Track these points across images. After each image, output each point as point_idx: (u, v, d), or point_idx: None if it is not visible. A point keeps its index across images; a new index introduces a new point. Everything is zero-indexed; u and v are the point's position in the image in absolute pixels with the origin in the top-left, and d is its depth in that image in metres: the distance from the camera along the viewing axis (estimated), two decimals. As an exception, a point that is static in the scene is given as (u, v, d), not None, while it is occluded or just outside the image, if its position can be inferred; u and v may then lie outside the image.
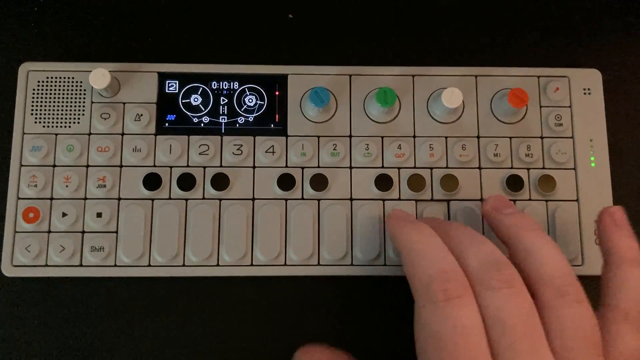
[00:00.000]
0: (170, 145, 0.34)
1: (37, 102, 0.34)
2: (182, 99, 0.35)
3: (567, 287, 0.26)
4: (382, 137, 0.35)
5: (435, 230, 0.29)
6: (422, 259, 0.27)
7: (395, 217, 0.31)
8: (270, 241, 0.33)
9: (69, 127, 0.34)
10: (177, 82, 0.35)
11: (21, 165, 0.34)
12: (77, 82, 0.35)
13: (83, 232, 0.33)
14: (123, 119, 0.34)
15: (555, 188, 0.34)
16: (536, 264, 0.27)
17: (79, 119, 0.34)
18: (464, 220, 0.34)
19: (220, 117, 0.35)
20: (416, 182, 0.34)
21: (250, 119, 0.35)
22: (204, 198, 0.34)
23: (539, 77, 0.36)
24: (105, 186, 0.33)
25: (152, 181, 0.34)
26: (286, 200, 0.34)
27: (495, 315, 0.25)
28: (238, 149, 0.34)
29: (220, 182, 0.34)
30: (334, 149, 0.34)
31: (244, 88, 0.35)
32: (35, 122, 0.34)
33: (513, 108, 0.34)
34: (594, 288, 0.35)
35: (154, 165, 0.34)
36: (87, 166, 0.34)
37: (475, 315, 0.25)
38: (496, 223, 0.30)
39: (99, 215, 0.33)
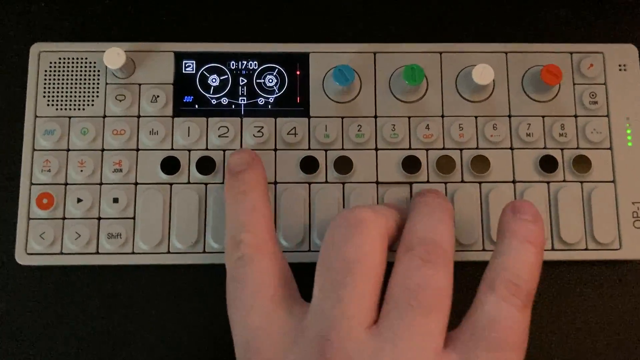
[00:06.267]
0: (189, 128, 0.33)
1: (49, 84, 0.33)
2: (199, 80, 0.34)
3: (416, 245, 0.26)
4: (409, 117, 0.33)
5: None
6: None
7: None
8: (293, 226, 0.32)
9: (83, 109, 0.33)
10: (194, 62, 0.34)
11: (34, 150, 0.32)
12: (90, 62, 0.33)
13: (99, 218, 0.32)
14: (139, 100, 0.33)
15: (590, 169, 0.33)
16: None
17: (93, 101, 0.33)
18: (496, 203, 0.32)
19: (240, 98, 0.34)
20: (445, 164, 0.33)
21: (271, 99, 0.34)
22: (224, 182, 0.32)
23: (572, 53, 0.34)
24: (121, 171, 0.32)
25: (170, 165, 0.32)
26: (309, 183, 0.33)
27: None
28: (259, 131, 0.33)
29: (241, 165, 0.32)
30: (358, 130, 0.33)
31: (264, 67, 0.34)
32: (48, 105, 0.33)
33: (546, 85, 0.33)
34: (634, 273, 0.34)
35: (172, 149, 0.33)
36: (103, 150, 0.33)
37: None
38: None
39: (116, 200, 0.32)
